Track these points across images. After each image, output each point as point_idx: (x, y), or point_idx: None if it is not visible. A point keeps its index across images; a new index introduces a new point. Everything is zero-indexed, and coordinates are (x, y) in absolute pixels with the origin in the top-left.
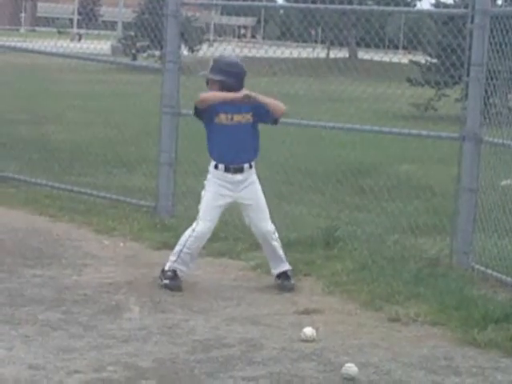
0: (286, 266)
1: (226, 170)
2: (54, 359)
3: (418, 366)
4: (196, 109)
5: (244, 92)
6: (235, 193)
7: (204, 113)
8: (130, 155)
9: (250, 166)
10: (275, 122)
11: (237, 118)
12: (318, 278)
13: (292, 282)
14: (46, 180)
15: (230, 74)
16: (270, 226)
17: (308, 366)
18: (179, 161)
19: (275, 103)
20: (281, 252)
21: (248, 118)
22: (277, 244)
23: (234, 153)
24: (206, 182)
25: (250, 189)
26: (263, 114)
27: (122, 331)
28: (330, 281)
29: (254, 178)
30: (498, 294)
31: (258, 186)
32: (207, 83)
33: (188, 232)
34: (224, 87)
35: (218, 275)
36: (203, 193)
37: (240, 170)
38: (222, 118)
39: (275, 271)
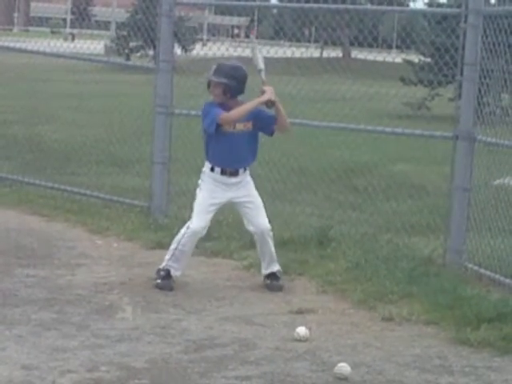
0: (277, 267)
1: (222, 172)
2: (47, 359)
3: (411, 365)
4: (217, 125)
5: (267, 96)
6: (230, 193)
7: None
8: (123, 155)
9: (245, 169)
10: (271, 134)
11: (239, 126)
12: (311, 278)
13: (280, 282)
14: (39, 180)
15: (234, 78)
16: (268, 223)
17: (301, 365)
18: (173, 160)
19: (286, 120)
20: (274, 251)
21: (249, 126)
22: (272, 243)
23: (233, 159)
24: (200, 181)
25: (245, 187)
26: (263, 125)
27: (115, 331)
28: (323, 280)
29: (249, 178)
30: (491, 293)
31: (253, 185)
32: (208, 86)
33: (183, 230)
34: (227, 90)
35: (211, 275)
36: (198, 191)
37: (235, 174)
38: (225, 125)
39: (266, 271)
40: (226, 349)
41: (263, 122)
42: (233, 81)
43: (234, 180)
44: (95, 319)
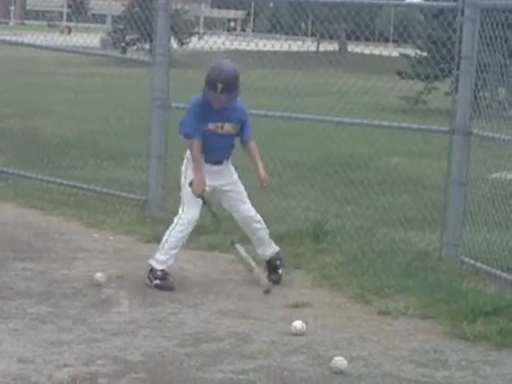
0: (275, 248)
1: (207, 161)
2: (43, 353)
3: (407, 359)
4: (186, 135)
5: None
6: (214, 181)
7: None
8: (120, 148)
9: (228, 158)
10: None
11: (227, 127)
12: (307, 272)
13: (279, 273)
14: (35, 173)
15: (238, 86)
16: (251, 211)
17: (297, 359)
18: (169, 154)
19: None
20: (263, 236)
21: (237, 128)
22: (259, 226)
23: (218, 154)
24: (184, 168)
25: (227, 175)
26: (244, 130)
27: (112, 325)
28: (319, 274)
29: (231, 167)
30: (488, 287)
31: (236, 175)
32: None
33: (175, 220)
34: (234, 97)
35: (208, 269)
36: (182, 180)
37: (219, 163)
38: (211, 126)
39: (266, 255)
40: (223, 343)
41: (246, 129)
42: (238, 89)
43: (216, 168)
44: (91, 313)
